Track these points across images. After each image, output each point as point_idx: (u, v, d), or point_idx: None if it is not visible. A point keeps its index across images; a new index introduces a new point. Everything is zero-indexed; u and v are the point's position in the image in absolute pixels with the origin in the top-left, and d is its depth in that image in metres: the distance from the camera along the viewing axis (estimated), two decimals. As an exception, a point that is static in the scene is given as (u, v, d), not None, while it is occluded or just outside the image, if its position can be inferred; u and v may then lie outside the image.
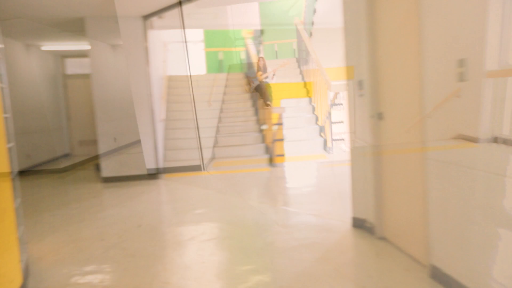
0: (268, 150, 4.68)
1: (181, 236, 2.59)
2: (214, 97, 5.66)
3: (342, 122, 5.06)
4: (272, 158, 4.52)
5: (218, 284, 1.82)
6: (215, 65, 8.30)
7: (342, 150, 4.99)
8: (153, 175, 3.83)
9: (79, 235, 2.59)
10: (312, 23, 6.35)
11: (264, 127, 5.11)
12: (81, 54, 5.92)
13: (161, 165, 3.90)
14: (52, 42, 5.78)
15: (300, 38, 7.05)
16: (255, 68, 5.70)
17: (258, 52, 6.44)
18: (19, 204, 1.79)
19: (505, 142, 1.26)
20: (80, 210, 3.29)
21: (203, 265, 2.00)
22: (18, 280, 1.59)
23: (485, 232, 1.27)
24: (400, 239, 1.97)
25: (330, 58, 5.34)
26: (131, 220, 2.88)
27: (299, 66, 6.77)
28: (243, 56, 7.65)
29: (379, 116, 2.09)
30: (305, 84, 5.98)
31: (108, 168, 4.10)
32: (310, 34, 6.42)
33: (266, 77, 5.66)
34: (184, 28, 4.03)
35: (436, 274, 1.53)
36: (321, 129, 5.24)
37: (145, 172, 3.87)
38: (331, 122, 4.79)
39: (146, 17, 4.08)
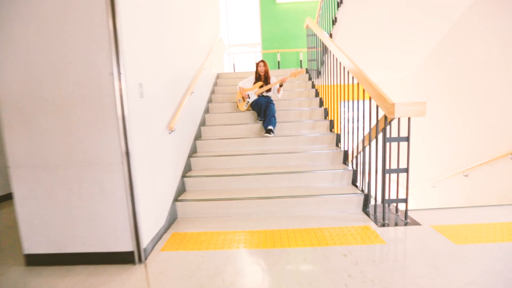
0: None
1: None
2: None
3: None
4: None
5: None
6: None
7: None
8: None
9: None
10: (330, 35, 4.77)
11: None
12: None
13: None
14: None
15: (310, 45, 5.45)
16: (254, 76, 3.96)
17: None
18: None
19: None
20: None
21: None
22: None
23: None
24: None
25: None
26: None
27: (310, 79, 5.10)
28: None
29: None
30: (322, 107, 4.27)
31: None
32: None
33: (269, 91, 3.90)
34: None
35: None
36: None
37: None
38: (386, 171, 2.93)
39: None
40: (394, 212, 2.39)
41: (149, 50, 2.12)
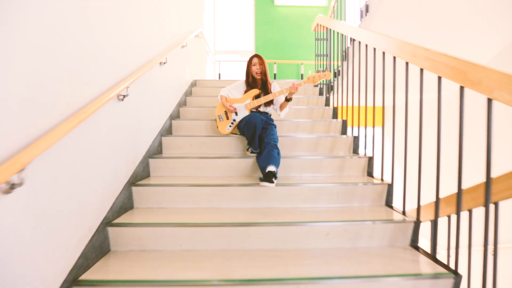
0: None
1: None
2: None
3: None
4: None
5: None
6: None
7: None
8: None
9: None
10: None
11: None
12: None
13: None
14: None
15: (320, 52, 4.14)
16: (245, 81, 2.47)
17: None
18: None
19: None
20: None
21: None
22: None
23: None
24: None
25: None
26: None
27: (321, 94, 3.72)
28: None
29: None
30: (349, 135, 2.82)
31: None
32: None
33: (268, 104, 2.39)
34: None
35: None
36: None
37: None
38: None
39: None
40: None
41: None
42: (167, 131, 2.65)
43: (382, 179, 2.01)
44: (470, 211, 1.46)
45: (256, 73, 2.34)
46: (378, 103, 3.05)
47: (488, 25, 3.17)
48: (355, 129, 2.62)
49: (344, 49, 3.38)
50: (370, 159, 2.22)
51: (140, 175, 2.00)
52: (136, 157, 1.95)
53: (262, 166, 1.94)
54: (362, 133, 2.58)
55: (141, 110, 2.04)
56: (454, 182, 1.32)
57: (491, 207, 1.24)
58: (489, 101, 1.13)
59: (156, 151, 2.33)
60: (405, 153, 1.70)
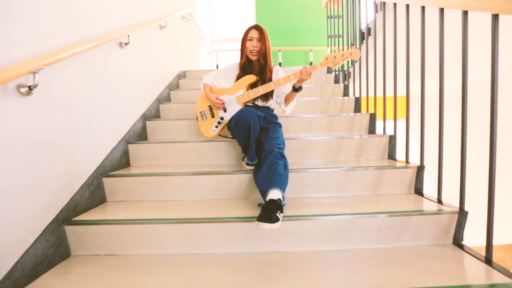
0: None
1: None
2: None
3: None
4: None
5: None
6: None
7: None
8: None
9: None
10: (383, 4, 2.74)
11: None
12: None
13: None
14: None
15: (333, 32, 3.43)
16: (238, 64, 1.79)
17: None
18: None
19: None
20: None
21: None
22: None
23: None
24: None
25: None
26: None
27: (337, 82, 3.02)
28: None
29: None
30: (384, 134, 2.13)
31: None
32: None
33: (268, 96, 1.70)
34: None
35: None
36: None
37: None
38: None
39: None
40: None
41: None
42: (138, 135, 2.02)
43: (439, 200, 1.33)
44: None
45: (252, 52, 1.65)
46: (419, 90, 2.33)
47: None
48: (388, 124, 1.93)
49: (365, 25, 2.66)
50: (420, 170, 1.53)
51: (84, 204, 1.37)
52: (71, 181, 1.31)
53: (261, 188, 1.28)
54: (400, 131, 1.88)
55: (78, 110, 1.40)
56: None
57: None
58: None
59: (117, 165, 1.70)
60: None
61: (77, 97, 1.33)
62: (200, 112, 1.77)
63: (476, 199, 2.12)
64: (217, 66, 5.08)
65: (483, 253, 1.10)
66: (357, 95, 2.52)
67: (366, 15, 2.50)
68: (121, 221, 1.23)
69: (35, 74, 1.02)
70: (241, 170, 1.54)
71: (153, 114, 2.30)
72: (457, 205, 1.26)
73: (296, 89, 1.63)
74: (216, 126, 1.73)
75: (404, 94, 1.89)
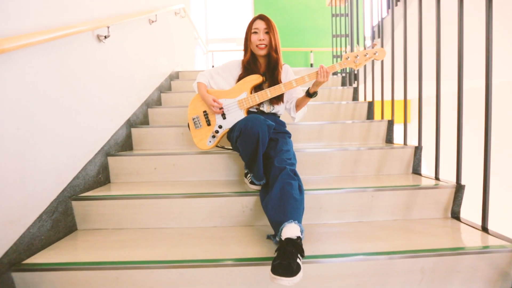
0: None
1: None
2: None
3: None
4: None
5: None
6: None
7: None
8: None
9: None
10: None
11: None
12: None
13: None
14: None
15: (338, 32, 3.19)
16: (241, 62, 1.49)
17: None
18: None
19: None
20: None
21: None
22: None
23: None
24: None
25: None
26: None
27: (344, 84, 2.77)
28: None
29: None
30: (406, 144, 1.89)
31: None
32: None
33: (278, 100, 1.42)
34: None
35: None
36: None
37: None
38: None
39: None
40: None
41: None
42: (121, 146, 1.73)
43: (484, 228, 1.09)
44: None
45: (259, 46, 1.38)
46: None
47: None
48: (409, 132, 1.68)
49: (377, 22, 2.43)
50: (459, 190, 1.27)
51: (43, 239, 1.08)
52: (24, 211, 1.02)
53: (273, 219, 1.00)
54: (427, 141, 1.64)
55: (36, 117, 1.11)
56: None
57: None
58: None
59: (93, 182, 1.40)
60: None
61: (33, 99, 1.04)
62: (193, 119, 1.49)
63: None
64: (213, 67, 4.82)
65: None
66: (368, 98, 2.28)
67: (381, 9, 2.26)
68: (90, 265, 0.93)
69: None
70: (244, 191, 1.26)
71: (140, 120, 2.01)
72: (518, 239, 1.01)
73: (310, 94, 1.37)
74: (213, 136, 1.45)
75: (425, 95, 1.65)
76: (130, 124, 1.85)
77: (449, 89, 1.96)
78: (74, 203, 1.22)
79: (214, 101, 1.39)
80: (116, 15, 1.64)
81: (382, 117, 2.03)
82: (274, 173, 1.14)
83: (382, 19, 2.19)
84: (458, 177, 1.30)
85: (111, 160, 1.54)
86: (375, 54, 1.33)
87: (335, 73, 3.01)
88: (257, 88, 1.41)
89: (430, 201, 1.28)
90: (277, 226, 0.97)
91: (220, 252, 0.99)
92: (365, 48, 2.47)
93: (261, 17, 1.39)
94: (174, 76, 2.94)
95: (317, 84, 1.33)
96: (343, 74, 2.89)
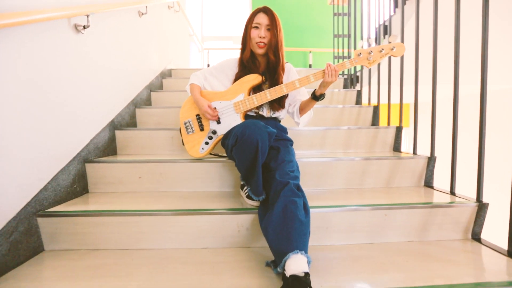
0: None
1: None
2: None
3: None
4: None
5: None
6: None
7: None
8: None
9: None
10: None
11: None
12: None
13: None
14: None
15: (340, 31, 3.06)
16: (239, 60, 1.33)
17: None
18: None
19: None
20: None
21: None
22: None
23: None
24: None
25: None
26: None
27: (345, 87, 2.64)
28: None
29: None
30: (422, 155, 1.75)
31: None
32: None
33: (280, 103, 1.26)
34: None
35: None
36: None
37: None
38: None
39: None
40: None
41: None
42: (103, 150, 1.55)
43: (510, 253, 0.95)
44: None
45: (258, 44, 1.22)
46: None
47: None
48: (419, 139, 1.54)
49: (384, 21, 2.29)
50: (481, 209, 1.13)
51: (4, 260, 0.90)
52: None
53: (274, 248, 0.84)
54: (442, 151, 1.51)
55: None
56: None
57: None
58: None
59: (66, 194, 1.22)
60: None
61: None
62: (185, 123, 1.32)
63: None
64: (208, 65, 4.63)
65: None
66: (373, 101, 2.13)
67: (389, 7, 2.12)
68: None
69: None
70: (240, 208, 1.10)
71: (126, 121, 1.83)
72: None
73: (317, 97, 1.21)
74: (206, 143, 1.28)
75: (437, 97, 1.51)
76: (114, 126, 1.67)
77: (462, 92, 1.83)
78: (40, 220, 1.04)
79: (209, 106, 1.22)
80: (98, 3, 1.46)
81: (389, 123, 1.89)
82: (275, 189, 0.98)
83: (390, 16, 2.05)
84: (479, 194, 1.16)
85: (89, 167, 1.36)
86: (392, 49, 1.17)
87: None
88: (256, 89, 1.25)
89: (449, 221, 1.14)
90: (279, 255, 0.81)
91: (210, 285, 0.83)
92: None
93: (265, 10, 1.23)
94: (166, 74, 2.76)
95: (324, 85, 1.17)
96: (345, 76, 2.76)
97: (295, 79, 1.20)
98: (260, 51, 1.22)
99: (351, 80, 2.62)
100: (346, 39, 2.95)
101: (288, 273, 0.74)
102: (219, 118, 1.25)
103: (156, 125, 1.96)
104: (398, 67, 1.74)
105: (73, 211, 1.08)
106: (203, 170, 1.36)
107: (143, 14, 2.08)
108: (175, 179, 1.37)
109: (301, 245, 0.80)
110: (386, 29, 2.31)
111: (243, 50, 1.27)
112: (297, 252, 0.77)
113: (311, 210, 1.05)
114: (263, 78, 1.23)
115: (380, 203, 1.13)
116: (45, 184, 1.09)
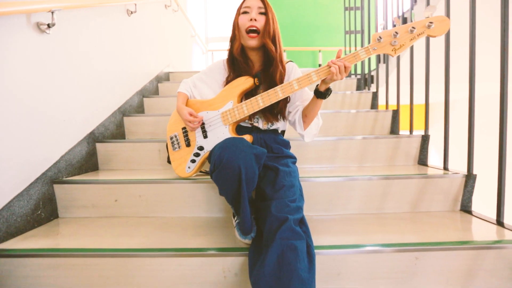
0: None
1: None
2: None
3: None
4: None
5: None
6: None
7: None
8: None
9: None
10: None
11: None
12: None
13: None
14: None
15: (351, 27, 2.79)
16: (227, 60, 1.11)
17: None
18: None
19: None
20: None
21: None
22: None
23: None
24: None
25: None
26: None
27: (359, 88, 2.37)
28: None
29: None
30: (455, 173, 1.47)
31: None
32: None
33: (279, 112, 1.02)
34: None
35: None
36: None
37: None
38: None
39: None
40: None
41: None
42: (78, 167, 1.35)
43: None
44: None
45: (249, 30, 0.98)
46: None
47: None
48: (453, 152, 1.26)
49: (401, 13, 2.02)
50: (546, 251, 0.86)
51: None
52: None
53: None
54: (482, 167, 1.23)
55: None
56: None
57: None
58: None
59: (26, 222, 1.03)
60: None
61: None
62: (171, 138, 1.10)
63: None
64: (213, 67, 4.45)
65: None
66: (391, 104, 1.86)
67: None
68: None
69: None
70: (227, 249, 0.87)
71: (110, 132, 1.64)
72: None
73: (321, 93, 0.95)
74: (193, 161, 1.06)
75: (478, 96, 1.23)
76: (95, 138, 1.48)
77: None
78: (-19, 261, 0.85)
79: (191, 114, 1.00)
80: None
81: (411, 131, 1.62)
82: (270, 227, 0.75)
83: (412, 4, 1.78)
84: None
85: (58, 188, 1.17)
86: (428, 26, 0.86)
87: (348, 75, 2.60)
88: (249, 94, 1.02)
89: (502, 266, 0.87)
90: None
91: None
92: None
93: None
94: (163, 78, 2.57)
95: (328, 81, 0.92)
96: (358, 76, 2.48)
97: (299, 76, 0.96)
98: (252, 42, 0.98)
99: (365, 81, 2.35)
100: (358, 36, 2.68)
101: None
102: (205, 132, 1.03)
103: (148, 135, 1.77)
104: (423, 58, 1.46)
105: (21, 251, 0.88)
106: (188, 192, 1.14)
107: (132, 12, 1.89)
108: (155, 202, 1.16)
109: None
110: (405, 22, 2.03)
111: (232, 46, 1.05)
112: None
113: (319, 252, 0.81)
114: (256, 81, 0.99)
115: (409, 242, 0.88)
116: (7, 203, 0.90)
